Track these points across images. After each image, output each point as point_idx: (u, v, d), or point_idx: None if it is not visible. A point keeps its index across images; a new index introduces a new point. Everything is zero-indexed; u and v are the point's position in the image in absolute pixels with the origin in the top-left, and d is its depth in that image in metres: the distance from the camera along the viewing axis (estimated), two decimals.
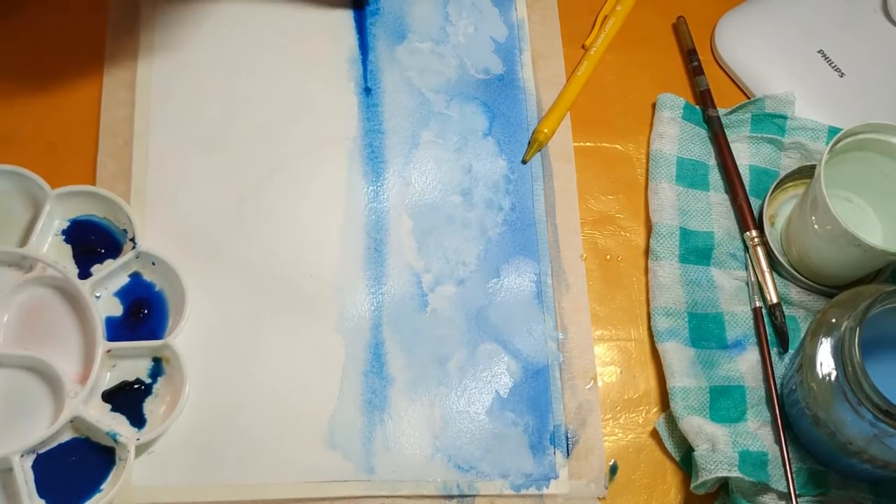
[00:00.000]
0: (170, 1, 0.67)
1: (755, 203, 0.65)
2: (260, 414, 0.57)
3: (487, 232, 0.63)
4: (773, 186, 0.64)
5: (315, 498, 0.56)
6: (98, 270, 0.58)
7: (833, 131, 0.65)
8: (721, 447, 0.55)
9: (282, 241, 0.61)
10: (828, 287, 0.62)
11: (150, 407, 0.56)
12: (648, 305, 0.62)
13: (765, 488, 0.56)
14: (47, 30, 0.65)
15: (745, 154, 0.66)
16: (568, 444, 0.58)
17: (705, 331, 0.61)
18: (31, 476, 0.54)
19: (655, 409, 0.60)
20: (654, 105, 0.67)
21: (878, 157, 0.60)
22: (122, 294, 0.59)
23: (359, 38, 0.68)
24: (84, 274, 0.58)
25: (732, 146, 0.66)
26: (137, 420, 0.56)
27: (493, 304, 0.61)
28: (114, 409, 0.56)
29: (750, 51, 0.69)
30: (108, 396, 0.56)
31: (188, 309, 0.57)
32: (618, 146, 0.67)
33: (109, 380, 0.57)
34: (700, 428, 0.57)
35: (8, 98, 0.63)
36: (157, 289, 0.59)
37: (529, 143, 0.65)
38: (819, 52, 0.68)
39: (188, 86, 0.65)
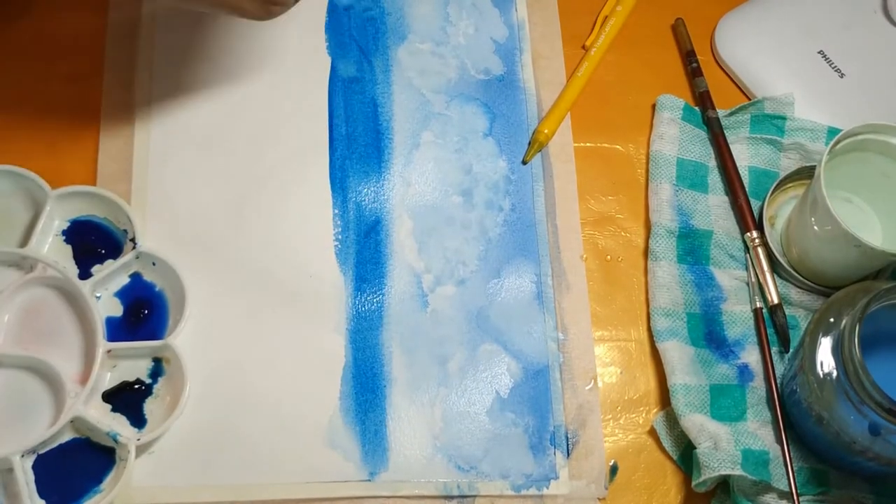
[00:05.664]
0: (169, 1, 0.67)
1: (755, 204, 0.65)
2: (260, 414, 0.57)
3: (488, 232, 0.63)
4: (772, 187, 0.64)
5: (315, 498, 0.56)
6: (98, 271, 0.58)
7: (832, 132, 0.66)
8: (724, 445, 0.55)
9: (282, 241, 0.61)
10: (828, 288, 0.62)
11: (150, 407, 0.56)
12: (648, 306, 0.62)
13: (766, 487, 0.56)
14: (48, 30, 0.65)
15: (745, 155, 0.66)
16: (568, 445, 0.58)
17: (705, 331, 0.61)
18: (31, 476, 0.54)
19: (655, 410, 0.60)
20: (654, 106, 0.67)
21: (877, 157, 0.60)
22: (123, 294, 0.59)
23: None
24: (84, 274, 0.58)
25: (732, 147, 0.66)
26: (138, 420, 0.56)
27: (494, 305, 0.61)
28: (114, 410, 0.56)
29: (750, 51, 0.69)
30: (109, 397, 0.56)
31: (188, 309, 0.57)
32: (618, 146, 0.67)
33: (110, 380, 0.57)
34: (702, 426, 0.56)
35: (8, 98, 0.63)
36: (157, 289, 0.59)
37: (530, 143, 0.65)
38: (819, 52, 0.68)
39: (188, 86, 0.65)
